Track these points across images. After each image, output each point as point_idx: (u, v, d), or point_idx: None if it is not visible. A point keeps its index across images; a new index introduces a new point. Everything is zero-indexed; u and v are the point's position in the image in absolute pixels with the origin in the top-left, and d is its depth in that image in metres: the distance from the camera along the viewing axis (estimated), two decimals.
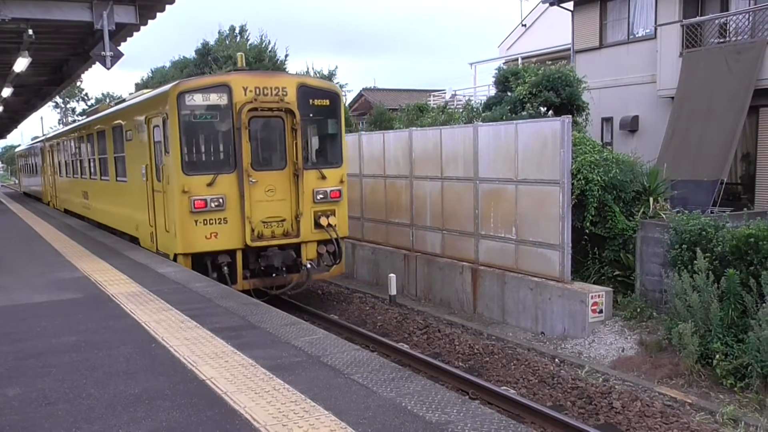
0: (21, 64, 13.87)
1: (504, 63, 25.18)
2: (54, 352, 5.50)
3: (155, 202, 11.37)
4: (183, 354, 5.27)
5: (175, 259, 10.51)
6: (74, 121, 31.12)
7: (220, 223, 10.38)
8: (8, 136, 57.12)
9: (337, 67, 34.69)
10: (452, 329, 11.18)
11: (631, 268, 10.86)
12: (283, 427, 3.82)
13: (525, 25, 29.13)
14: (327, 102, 11.33)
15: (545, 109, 15.37)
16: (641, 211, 11.13)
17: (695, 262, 8.87)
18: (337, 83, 28.00)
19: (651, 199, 11.25)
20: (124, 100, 15.82)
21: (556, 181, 10.36)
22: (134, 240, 13.02)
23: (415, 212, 13.82)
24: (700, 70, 14.77)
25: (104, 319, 6.56)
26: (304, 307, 12.43)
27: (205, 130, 10.66)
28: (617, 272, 11.12)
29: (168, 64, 40.71)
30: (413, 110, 24.10)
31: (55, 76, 18.81)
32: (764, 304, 7.90)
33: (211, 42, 34.79)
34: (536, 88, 15.30)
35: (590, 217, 11.16)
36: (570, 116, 10.74)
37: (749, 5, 15.16)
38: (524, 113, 14.91)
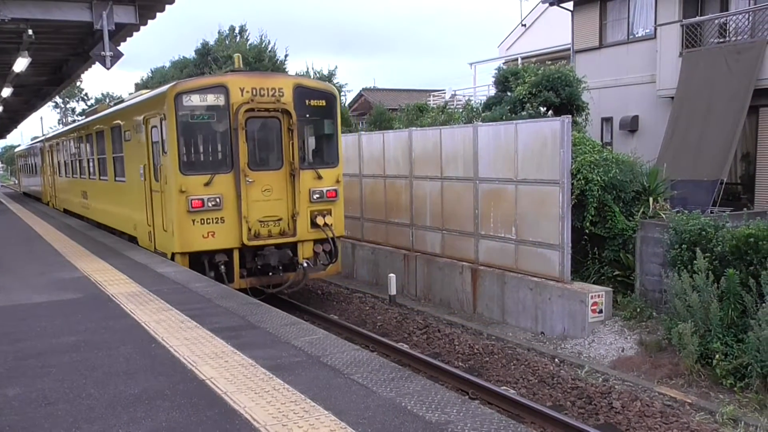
0: (21, 64, 13.87)
1: (504, 63, 25.18)
2: (54, 352, 5.50)
3: (153, 201, 11.44)
4: (183, 354, 5.27)
5: (172, 258, 10.57)
6: (74, 121, 31.13)
7: (217, 222, 10.46)
8: (8, 136, 57.17)
9: (336, 67, 34.77)
10: (452, 329, 11.18)
11: (631, 268, 10.86)
12: (283, 427, 3.82)
13: (525, 25, 29.13)
14: (323, 102, 11.42)
15: (545, 109, 15.37)
16: (641, 211, 11.13)
17: (695, 262, 8.87)
18: (337, 83, 28.00)
19: (651, 199, 11.25)
20: (123, 101, 15.85)
21: (555, 181, 10.36)
22: (133, 239, 13.07)
23: (415, 212, 13.82)
24: (700, 70, 14.77)
25: (104, 319, 6.56)
26: (304, 307, 12.43)
27: (202, 131, 10.76)
28: (617, 272, 11.12)
29: (168, 64, 40.73)
30: (413, 110, 24.10)
31: (54, 76, 18.81)
32: (764, 304, 7.90)
33: (211, 42, 34.81)
34: (536, 88, 15.31)
35: (590, 217, 11.16)
36: (570, 116, 10.74)
37: (749, 5, 15.16)
38: (524, 113, 14.91)
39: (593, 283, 10.98)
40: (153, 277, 8.89)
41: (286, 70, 31.54)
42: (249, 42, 33.38)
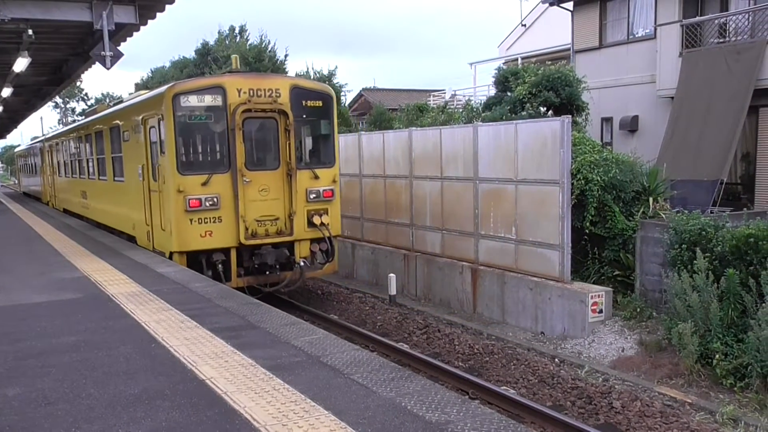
0: (21, 64, 13.87)
1: (504, 63, 25.18)
2: (53, 352, 5.50)
3: (151, 201, 11.52)
4: (183, 354, 5.27)
5: (170, 257, 10.65)
6: (74, 122, 31.13)
7: (214, 221, 10.54)
8: (8, 136, 57.16)
9: (336, 67, 34.65)
10: (452, 329, 11.18)
11: (631, 268, 10.86)
12: (283, 426, 3.82)
13: (525, 25, 29.13)
14: (320, 103, 11.51)
15: (545, 109, 15.37)
16: (641, 211, 11.13)
17: (695, 262, 8.87)
18: (337, 83, 27.93)
19: (651, 199, 11.25)
20: (122, 101, 15.89)
21: (555, 181, 10.36)
22: (131, 239, 13.13)
23: (415, 212, 13.82)
24: (700, 70, 14.77)
25: (104, 319, 6.56)
26: (304, 307, 12.44)
27: (200, 131, 10.85)
28: (617, 272, 11.12)
29: (168, 64, 40.72)
30: (413, 110, 24.11)
31: (54, 76, 18.81)
32: (764, 304, 7.90)
33: (211, 42, 34.79)
34: (536, 88, 15.30)
35: (590, 217, 11.16)
36: (570, 116, 10.74)
37: (749, 5, 15.16)
38: (524, 113, 14.91)
39: (593, 283, 10.98)
40: (153, 277, 8.89)
41: (286, 70, 31.52)
42: (249, 42, 33.37)
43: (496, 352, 9.86)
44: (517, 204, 11.19)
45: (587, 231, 11.29)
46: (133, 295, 7.60)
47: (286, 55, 32.24)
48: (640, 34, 17.49)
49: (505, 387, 8.47)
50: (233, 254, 10.79)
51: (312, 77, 26.91)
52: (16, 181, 56.51)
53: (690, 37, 15.37)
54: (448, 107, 23.73)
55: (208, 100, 10.52)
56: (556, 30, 22.90)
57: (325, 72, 27.67)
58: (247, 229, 10.73)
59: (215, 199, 10.49)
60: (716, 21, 15.33)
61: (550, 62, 17.15)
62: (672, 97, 15.46)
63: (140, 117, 11.72)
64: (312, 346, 5.40)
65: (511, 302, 11.35)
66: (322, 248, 11.55)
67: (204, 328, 6.04)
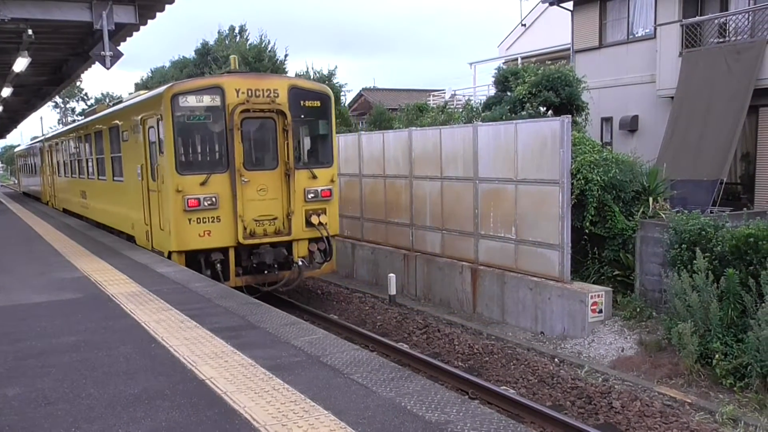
0: (20, 64, 13.87)
1: (503, 63, 25.18)
2: (53, 352, 5.50)
3: (150, 201, 11.56)
4: (183, 354, 5.27)
5: (169, 257, 10.70)
6: (73, 121, 31.13)
7: (213, 221, 10.59)
8: (8, 136, 57.16)
9: (336, 67, 34.62)
10: (452, 329, 11.18)
11: (631, 267, 10.86)
12: (283, 426, 3.82)
13: (524, 25, 29.12)
14: (318, 103, 11.56)
15: (545, 108, 15.37)
16: (641, 210, 11.13)
17: (695, 261, 8.88)
18: (337, 83, 27.90)
19: (650, 199, 11.25)
20: (121, 101, 15.91)
21: (555, 181, 10.36)
22: (131, 238, 13.17)
23: (415, 212, 13.82)
24: (700, 69, 14.77)
25: (104, 319, 6.56)
26: (304, 306, 12.44)
27: (198, 131, 10.91)
28: (617, 272, 11.12)
29: (168, 64, 40.75)
30: (413, 110, 24.11)
31: (54, 76, 18.80)
32: (763, 304, 7.90)
33: (211, 42, 34.80)
34: (536, 88, 15.31)
35: (590, 217, 11.16)
36: (569, 116, 10.74)
37: (749, 5, 15.16)
38: (524, 113, 14.91)
39: (593, 282, 10.98)
40: (153, 276, 8.89)
41: (286, 70, 31.51)
42: (249, 42, 33.37)
43: (495, 352, 9.86)
44: (516, 204, 11.19)
45: (587, 231, 11.30)
46: (133, 295, 7.60)
47: (286, 55, 32.29)
48: (640, 34, 17.49)
49: (504, 387, 8.48)
50: (231, 254, 10.84)
51: (312, 77, 26.90)
52: (16, 181, 56.49)
53: (690, 37, 15.37)
54: (447, 107, 23.74)
55: (207, 100, 10.57)
56: (556, 30, 22.90)
57: (325, 72, 27.66)
58: (245, 228, 10.78)
59: (214, 199, 10.54)
60: (716, 21, 15.33)
61: (549, 62, 17.15)
62: (672, 97, 15.46)
63: (139, 117, 11.75)
64: (312, 346, 5.40)
65: (510, 302, 11.35)
66: (320, 248, 11.60)
67: (204, 328, 6.04)
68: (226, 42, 33.42)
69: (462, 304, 12.43)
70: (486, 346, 10.13)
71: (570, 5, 19.17)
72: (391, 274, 13.35)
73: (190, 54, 36.97)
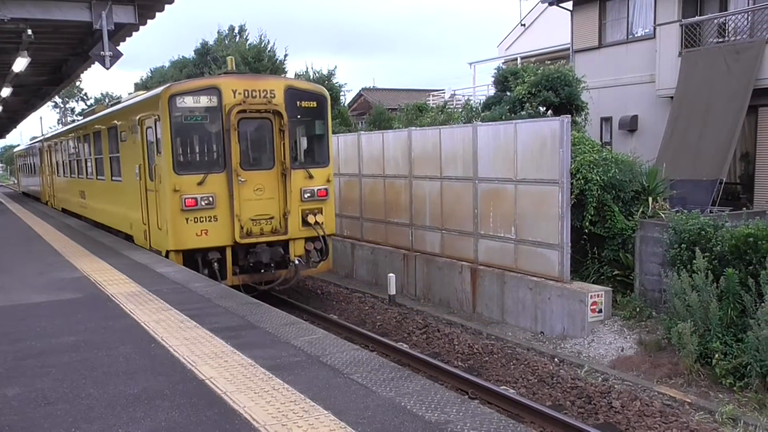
0: (20, 64, 13.86)
1: (503, 63, 25.19)
2: (53, 352, 5.50)
3: (148, 200, 11.64)
4: (182, 354, 5.27)
5: (167, 256, 10.77)
6: (73, 122, 31.11)
7: (210, 220, 10.68)
8: (7, 136, 57.17)
9: (336, 67, 34.60)
10: (451, 329, 11.19)
11: (631, 267, 10.87)
12: (283, 426, 3.82)
13: (524, 25, 29.13)
14: (314, 104, 11.66)
15: (544, 108, 15.38)
16: (640, 210, 11.14)
17: (694, 261, 8.88)
18: (336, 83, 27.89)
19: (650, 199, 11.26)
20: (120, 101, 15.95)
21: (555, 181, 10.36)
22: (129, 238, 13.23)
23: (415, 212, 13.82)
24: (699, 69, 14.78)
25: (103, 319, 6.55)
26: (304, 306, 12.45)
27: (195, 131, 11.01)
28: (616, 272, 11.13)
29: (167, 64, 40.74)
30: (412, 110, 24.10)
31: (54, 76, 18.80)
32: (763, 304, 7.90)
33: (211, 42, 34.79)
34: (535, 88, 15.31)
35: (589, 217, 11.17)
36: (569, 116, 10.74)
37: (748, 5, 15.16)
38: (523, 113, 14.91)
39: (593, 282, 10.98)
40: (152, 276, 8.89)
41: (286, 70, 31.51)
42: (248, 42, 33.36)
43: (495, 352, 9.86)
44: (516, 204, 11.19)
45: (587, 231, 11.30)
46: (133, 295, 7.60)
47: (285, 55, 32.27)
48: (639, 34, 17.50)
49: (504, 387, 8.48)
50: (228, 253, 10.93)
51: (311, 77, 26.90)
52: (16, 181, 56.45)
53: (689, 37, 15.38)
54: (447, 107, 23.73)
55: (204, 100, 10.67)
56: (556, 30, 22.90)
57: (325, 72, 27.65)
58: (242, 228, 10.87)
59: (211, 199, 10.63)
60: (715, 21, 15.34)
61: (549, 62, 17.16)
62: (671, 97, 15.47)
63: (137, 117, 11.83)
64: (311, 345, 5.40)
65: (510, 302, 11.36)
66: (317, 247, 11.70)
67: (204, 328, 6.04)
68: (226, 42, 33.41)
69: (462, 304, 12.44)
70: (486, 346, 10.13)
71: (569, 5, 19.18)
72: (391, 274, 13.35)
73: (189, 54, 37.02)
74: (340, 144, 16.33)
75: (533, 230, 10.90)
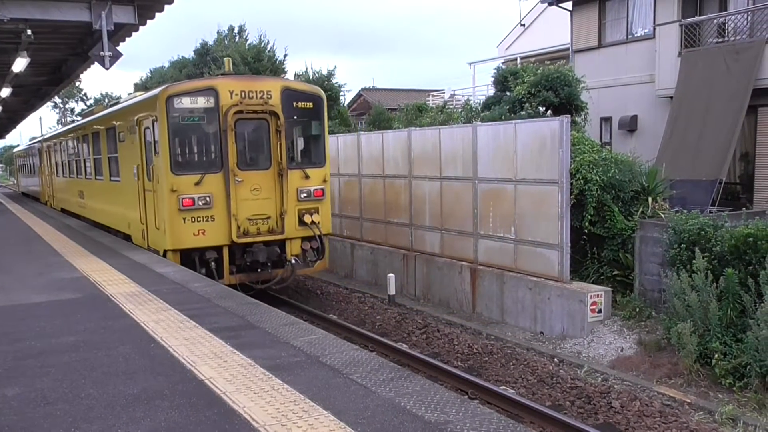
0: (20, 64, 13.86)
1: (503, 63, 25.18)
2: (53, 352, 5.50)
3: (146, 200, 11.72)
4: (182, 354, 5.27)
5: (164, 255, 10.85)
6: (72, 122, 31.10)
7: (207, 220, 10.76)
8: (7, 137, 57.16)
9: (336, 67, 34.56)
10: (451, 329, 11.19)
11: (630, 267, 10.87)
12: (282, 426, 3.82)
13: (524, 25, 29.13)
14: (310, 105, 11.74)
15: (544, 108, 15.38)
16: (640, 210, 11.14)
17: (694, 261, 8.88)
18: (336, 83, 27.86)
19: (650, 199, 11.26)
20: (119, 102, 15.99)
21: (554, 181, 10.36)
22: (127, 237, 13.31)
23: (414, 212, 13.82)
24: (699, 69, 14.78)
25: (103, 319, 6.55)
26: (303, 306, 12.45)
27: (193, 132, 11.12)
28: (616, 272, 11.13)
29: (167, 65, 40.71)
30: (412, 110, 24.09)
31: (53, 77, 18.79)
32: (763, 304, 7.91)
33: (210, 42, 34.77)
34: (535, 88, 15.31)
35: (589, 217, 11.17)
36: (569, 116, 10.74)
37: (748, 5, 15.17)
38: (523, 113, 14.92)
39: (592, 282, 10.98)
40: (152, 277, 8.89)
41: (285, 70, 31.46)
42: (248, 42, 33.33)
43: (495, 352, 9.86)
44: (516, 204, 11.19)
45: (586, 231, 11.30)
46: (133, 295, 7.60)
47: (285, 55, 32.20)
48: (639, 34, 17.50)
49: (504, 387, 8.48)
50: (225, 252, 11.02)
51: (311, 77, 26.88)
52: (15, 182, 56.42)
53: (689, 37, 15.38)
54: (447, 107, 23.72)
55: (201, 101, 10.75)
56: (555, 30, 22.91)
57: (324, 72, 27.63)
58: (239, 227, 10.95)
59: (208, 199, 10.71)
60: (715, 21, 15.34)
61: (549, 62, 17.16)
62: (671, 97, 15.47)
63: (135, 118, 11.92)
64: (311, 346, 5.40)
65: (510, 302, 11.36)
66: (313, 246, 11.79)
67: (203, 328, 6.04)
68: (226, 42, 33.39)
69: (461, 304, 12.44)
70: (485, 346, 10.14)
71: (569, 5, 19.18)
72: (391, 274, 13.35)
73: (189, 54, 36.98)
74: (339, 144, 16.34)
75: (533, 230, 10.90)
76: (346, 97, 32.05)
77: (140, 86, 38.18)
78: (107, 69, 11.64)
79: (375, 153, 15.04)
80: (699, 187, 13.00)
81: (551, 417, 7.30)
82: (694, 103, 14.52)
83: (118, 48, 12.23)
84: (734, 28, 14.92)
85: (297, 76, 27.93)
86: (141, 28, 12.81)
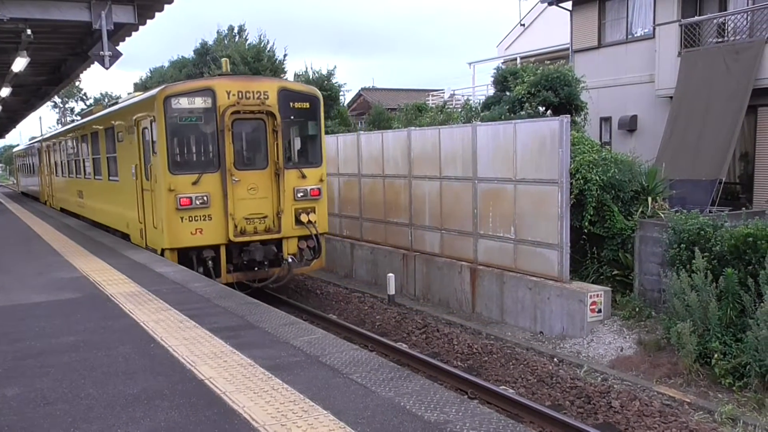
0: (19, 63, 13.86)
1: (502, 63, 25.18)
2: (52, 352, 5.50)
3: (144, 200, 11.80)
4: (182, 354, 5.27)
5: (162, 254, 10.92)
6: (72, 122, 31.09)
7: (204, 219, 10.84)
8: (7, 136, 57.17)
9: (335, 67, 34.52)
10: (451, 329, 11.19)
11: (630, 267, 10.87)
12: (282, 426, 3.82)
13: (524, 25, 29.13)
14: (307, 105, 11.83)
15: (544, 108, 15.38)
16: (640, 210, 11.14)
17: (694, 261, 8.88)
18: (336, 83, 27.87)
19: (649, 199, 11.26)
20: (118, 102, 16.04)
21: (554, 181, 10.36)
22: (125, 237, 13.37)
23: (414, 212, 13.82)
24: (699, 69, 14.78)
25: (103, 319, 6.55)
26: (303, 306, 12.46)
27: (190, 132, 11.20)
28: (616, 272, 11.12)
29: (167, 64, 40.72)
30: (412, 110, 24.09)
31: (53, 76, 18.80)
32: (762, 304, 7.91)
33: (210, 42, 34.77)
34: (535, 88, 15.31)
35: (589, 217, 11.16)
36: (568, 116, 10.74)
37: (747, 5, 15.17)
38: (523, 113, 14.92)
39: (592, 282, 10.98)
40: (152, 276, 8.89)
41: (285, 69, 31.45)
42: (248, 42, 33.32)
43: (495, 352, 9.86)
44: (515, 204, 11.19)
45: (586, 230, 11.30)
46: (132, 295, 7.60)
47: (285, 55, 32.19)
48: (638, 34, 17.50)
49: (504, 386, 8.48)
50: (223, 251, 11.10)
51: (311, 77, 26.88)
52: (15, 181, 56.41)
53: (689, 37, 15.38)
54: (446, 107, 23.72)
55: (199, 102, 10.83)
56: (555, 30, 22.91)
57: (324, 72, 27.62)
58: (236, 226, 11.03)
59: (205, 198, 10.79)
60: (715, 21, 15.34)
61: (548, 62, 17.16)
62: (671, 97, 15.47)
63: (133, 118, 11.99)
64: (311, 345, 5.40)
65: (510, 302, 11.36)
66: (310, 245, 11.87)
67: (203, 328, 6.04)
68: (225, 42, 33.39)
69: (461, 304, 12.44)
70: (485, 346, 10.14)
71: (569, 5, 19.18)
72: (390, 274, 13.35)
73: (189, 54, 37.01)
74: (339, 144, 16.34)
75: (532, 230, 10.90)
76: (345, 97, 32.06)
77: (140, 86, 38.17)
78: (107, 69, 11.67)
79: (375, 153, 15.04)
80: (699, 187, 13.00)
81: (551, 417, 7.30)
82: (693, 103, 14.53)
83: (117, 48, 12.25)
84: (734, 28, 14.92)
85: (297, 76, 27.93)
86: (141, 27, 12.83)
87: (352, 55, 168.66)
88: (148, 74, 43.42)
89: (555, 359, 9.60)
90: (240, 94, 10.95)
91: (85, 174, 17.20)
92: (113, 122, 13.70)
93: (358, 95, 36.80)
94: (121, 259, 10.52)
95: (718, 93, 14.11)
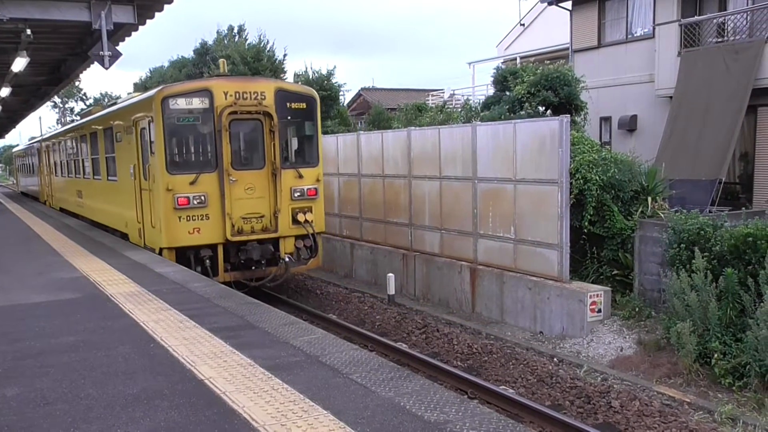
0: (19, 64, 13.86)
1: (502, 62, 25.18)
2: (52, 352, 5.50)
3: (142, 199, 11.88)
4: (182, 354, 5.27)
5: (160, 253, 11.00)
6: (71, 122, 31.08)
7: (202, 219, 10.93)
8: (7, 136, 57.17)
9: (335, 67, 34.50)
10: (451, 329, 11.19)
11: (630, 267, 10.87)
12: (282, 426, 3.82)
13: (523, 25, 29.13)
14: (304, 105, 11.91)
15: (544, 108, 15.37)
16: (639, 210, 11.14)
17: (693, 261, 8.88)
18: (336, 83, 27.86)
19: (649, 199, 11.26)
20: (117, 102, 16.07)
21: (554, 181, 10.36)
22: (124, 236, 13.44)
23: (414, 212, 13.82)
24: (699, 69, 14.78)
25: (103, 319, 6.55)
26: (303, 306, 12.47)
27: (188, 132, 11.30)
28: (616, 271, 11.12)
29: (166, 64, 40.67)
30: (412, 110, 24.10)
31: (53, 76, 18.80)
32: (762, 304, 7.91)
33: (210, 42, 34.75)
34: (534, 88, 15.31)
35: (589, 217, 11.16)
36: (568, 116, 10.74)
37: (747, 5, 15.17)
38: (522, 113, 14.92)
39: (592, 282, 10.98)
40: (151, 276, 8.89)
41: (285, 70, 31.44)
42: (248, 42, 33.30)
43: (494, 352, 9.86)
44: (515, 203, 11.19)
45: (586, 230, 11.30)
46: (132, 295, 7.60)
47: (284, 55, 32.17)
48: (638, 34, 17.50)
49: (503, 386, 8.48)
50: (220, 250, 11.19)
51: (310, 77, 26.87)
52: (15, 181, 56.39)
53: (688, 37, 15.38)
54: (446, 107, 23.72)
55: (196, 102, 10.91)
56: (555, 29, 22.90)
57: (324, 72, 27.61)
58: (233, 226, 11.10)
59: (203, 198, 10.87)
60: (714, 20, 15.34)
61: (548, 62, 17.16)
62: (670, 97, 15.47)
63: (132, 119, 12.06)
64: (311, 345, 5.40)
65: (509, 302, 11.36)
66: (306, 244, 11.95)
67: (203, 328, 6.04)
68: (225, 42, 33.36)
69: (461, 304, 12.44)
70: (485, 346, 10.13)
71: (569, 5, 19.18)
72: (390, 274, 13.35)
73: (188, 54, 36.96)
74: (339, 144, 16.34)
75: (532, 230, 10.90)
76: (345, 97, 32.07)
77: (140, 86, 38.17)
78: (107, 69, 11.69)
79: (374, 153, 15.04)
80: (698, 187, 13.00)
81: (551, 417, 7.30)
82: (693, 103, 14.53)
83: (117, 48, 12.25)
84: (734, 28, 14.92)
85: (297, 76, 27.92)
86: (140, 27, 12.83)
87: (352, 55, 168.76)
88: (148, 74, 43.37)
89: (555, 359, 9.60)
90: (237, 95, 11.02)
91: (84, 174, 17.25)
92: (112, 122, 13.75)
93: (358, 95, 36.79)
94: (121, 259, 10.52)
95: (717, 93, 14.11)
